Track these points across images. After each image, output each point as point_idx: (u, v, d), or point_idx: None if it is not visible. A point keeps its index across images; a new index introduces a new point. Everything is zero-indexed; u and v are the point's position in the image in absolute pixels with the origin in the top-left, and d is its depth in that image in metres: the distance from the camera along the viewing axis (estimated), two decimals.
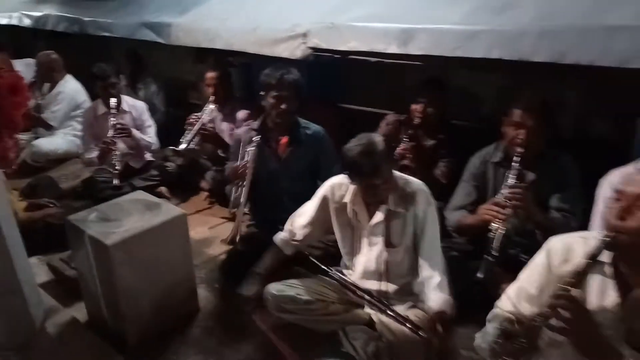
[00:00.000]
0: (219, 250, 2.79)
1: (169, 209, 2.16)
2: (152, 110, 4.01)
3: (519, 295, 1.51)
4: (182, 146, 3.23)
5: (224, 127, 3.45)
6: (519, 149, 2.16)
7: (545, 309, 1.30)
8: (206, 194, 3.50)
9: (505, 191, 2.11)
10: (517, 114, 2.19)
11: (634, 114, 2.48)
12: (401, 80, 3.21)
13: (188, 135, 3.23)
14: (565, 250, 1.42)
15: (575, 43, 2.03)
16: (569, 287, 1.28)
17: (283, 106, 2.46)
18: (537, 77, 2.60)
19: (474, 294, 2.04)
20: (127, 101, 3.56)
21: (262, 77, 2.52)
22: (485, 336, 1.49)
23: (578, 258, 1.36)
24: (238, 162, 2.57)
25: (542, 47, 2.10)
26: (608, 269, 1.34)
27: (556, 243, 1.47)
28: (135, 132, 3.40)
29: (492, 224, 2.08)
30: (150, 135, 3.58)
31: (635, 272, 1.30)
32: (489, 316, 1.55)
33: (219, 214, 3.25)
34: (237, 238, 2.46)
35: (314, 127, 2.62)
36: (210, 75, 3.46)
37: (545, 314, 1.29)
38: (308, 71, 3.38)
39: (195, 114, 3.34)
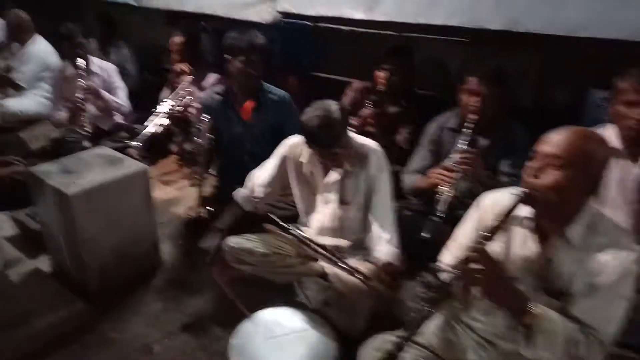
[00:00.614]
0: (183, 210, 2.86)
1: (131, 163, 2.22)
2: (124, 74, 3.99)
3: (455, 248, 1.61)
4: (135, 144, 2.85)
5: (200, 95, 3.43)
6: (471, 116, 2.25)
7: (460, 260, 1.36)
8: (176, 156, 3.54)
9: (455, 156, 2.21)
10: (472, 81, 2.26)
11: (587, 84, 2.58)
12: (372, 50, 3.26)
13: (146, 130, 2.88)
14: (493, 204, 1.50)
15: (527, 11, 2.12)
16: (484, 241, 1.34)
17: (250, 70, 2.48)
18: (499, 48, 2.68)
19: (423, 250, 2.16)
20: (96, 63, 3.52)
21: (229, 40, 2.51)
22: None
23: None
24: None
25: (497, 15, 2.20)
26: (528, 223, 1.42)
27: (486, 198, 1.56)
28: (104, 93, 3.38)
29: (440, 187, 2.19)
30: (120, 97, 3.57)
31: (551, 225, 1.39)
32: (431, 266, 1.64)
33: (187, 176, 3.30)
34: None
35: (279, 93, 2.65)
36: (176, 40, 3.38)
37: (461, 265, 1.35)
38: (282, 40, 3.44)
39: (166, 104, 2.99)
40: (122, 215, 2.14)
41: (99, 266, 2.12)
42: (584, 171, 1.29)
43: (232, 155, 2.67)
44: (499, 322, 1.49)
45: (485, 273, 1.32)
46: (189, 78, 3.19)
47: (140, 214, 2.23)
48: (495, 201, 1.52)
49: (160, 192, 3.07)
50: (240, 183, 2.42)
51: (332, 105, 1.94)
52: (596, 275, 1.32)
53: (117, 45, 4.27)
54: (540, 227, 1.41)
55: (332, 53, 3.50)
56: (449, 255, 1.63)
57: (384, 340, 1.59)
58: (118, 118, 3.60)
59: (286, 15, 2.97)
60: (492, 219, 1.40)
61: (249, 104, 2.58)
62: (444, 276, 1.39)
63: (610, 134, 1.97)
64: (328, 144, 1.93)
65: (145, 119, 3.53)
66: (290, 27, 3.07)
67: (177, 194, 3.10)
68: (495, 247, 1.42)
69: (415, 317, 1.39)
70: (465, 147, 2.21)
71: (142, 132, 2.83)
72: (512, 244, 1.45)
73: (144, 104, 3.51)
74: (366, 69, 2.88)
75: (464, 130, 2.24)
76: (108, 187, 2.06)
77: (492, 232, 1.35)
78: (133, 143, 2.81)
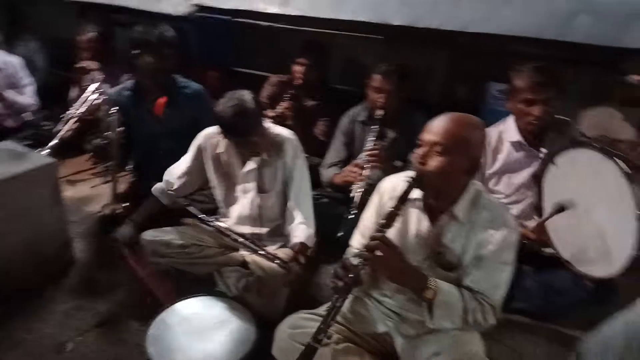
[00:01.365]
0: (98, 208, 2.76)
1: (37, 158, 2.13)
2: (33, 69, 3.78)
3: (362, 232, 1.72)
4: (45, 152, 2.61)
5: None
6: (378, 111, 2.39)
7: (362, 250, 1.45)
8: (89, 154, 3.40)
9: (364, 154, 2.35)
10: (376, 79, 2.41)
11: (485, 78, 2.81)
12: (291, 45, 3.33)
13: (55, 139, 2.71)
14: (392, 188, 1.63)
15: (428, 9, 2.29)
16: (383, 228, 1.45)
17: (160, 65, 2.42)
18: (409, 46, 2.85)
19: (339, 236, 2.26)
20: (0, 56, 3.32)
21: (137, 34, 2.43)
22: None
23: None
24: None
25: (400, 12, 2.36)
26: (420, 204, 1.56)
27: (385, 183, 1.69)
28: (8, 94, 3.19)
29: (353, 184, 2.31)
30: (27, 94, 3.38)
31: (440, 204, 1.53)
32: (345, 254, 1.75)
33: (101, 174, 3.19)
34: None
35: (194, 86, 2.61)
36: (85, 37, 3.20)
37: (363, 255, 1.44)
38: (200, 35, 3.41)
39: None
40: (29, 212, 2.05)
41: (6, 264, 2.03)
42: (464, 154, 1.43)
43: (148, 152, 2.62)
44: (402, 297, 1.62)
45: (385, 259, 1.43)
46: (99, 77, 3.03)
47: (49, 210, 2.14)
48: (393, 185, 1.64)
49: (72, 191, 2.96)
50: (158, 179, 2.39)
51: (246, 95, 1.98)
52: (482, 248, 1.47)
53: (24, 39, 4.03)
54: (431, 206, 1.55)
55: (251, 48, 3.53)
56: (357, 238, 1.74)
57: (297, 318, 1.68)
58: (26, 115, 3.41)
59: (202, 8, 2.97)
60: (390, 204, 1.51)
61: (161, 100, 2.51)
62: (351, 265, 1.46)
63: (511, 127, 2.17)
64: (244, 133, 1.97)
65: (55, 115, 3.39)
66: (209, 21, 3.08)
67: (90, 192, 3.00)
68: (392, 230, 1.51)
69: (329, 308, 1.45)
70: (373, 143, 2.35)
71: (52, 142, 2.64)
72: (407, 224, 1.58)
73: (53, 100, 3.36)
74: (285, 64, 2.94)
75: (372, 127, 2.38)
76: (12, 183, 1.97)
77: (389, 218, 1.46)
78: (42, 152, 2.56)
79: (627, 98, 2.25)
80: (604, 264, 1.79)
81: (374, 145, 2.37)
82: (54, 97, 3.41)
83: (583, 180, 1.87)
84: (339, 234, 2.16)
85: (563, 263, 1.94)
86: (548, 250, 2.02)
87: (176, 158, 2.35)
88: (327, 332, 1.46)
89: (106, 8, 3.27)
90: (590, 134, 2.27)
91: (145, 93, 2.54)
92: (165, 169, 2.40)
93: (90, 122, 2.85)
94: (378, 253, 1.42)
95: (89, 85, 2.93)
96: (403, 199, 1.47)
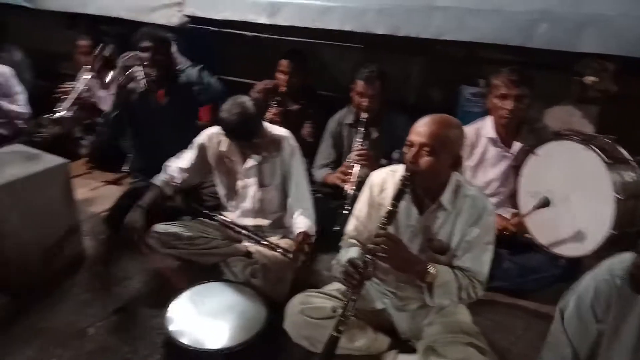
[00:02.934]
0: (102, 208, 2.88)
1: (50, 159, 2.25)
2: (19, 79, 3.85)
3: (355, 223, 1.91)
4: (58, 114, 3.17)
5: (102, 94, 3.44)
6: (363, 115, 2.61)
7: (370, 246, 1.61)
8: (85, 159, 3.51)
9: (352, 155, 2.57)
10: (359, 84, 2.63)
11: (458, 82, 3.06)
12: (276, 54, 3.51)
13: (64, 104, 3.16)
14: (381, 182, 1.83)
15: (406, 19, 2.53)
16: (385, 226, 1.61)
17: (159, 58, 2.61)
18: (387, 53, 3.08)
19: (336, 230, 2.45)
20: None
21: (141, 32, 2.66)
22: (339, 261, 1.83)
23: (389, 188, 1.77)
24: None
25: (381, 21, 2.58)
26: (408, 197, 1.72)
27: (374, 177, 1.87)
28: (2, 104, 3.27)
29: (345, 185, 2.53)
30: (19, 103, 3.46)
31: (428, 195, 1.73)
32: (341, 243, 1.94)
33: (99, 178, 3.32)
34: None
35: (188, 72, 2.79)
36: (84, 43, 3.40)
37: (372, 250, 1.59)
38: (187, 45, 3.55)
39: (69, 82, 3.28)
40: (43, 210, 2.17)
41: (22, 261, 2.13)
42: (449, 152, 1.63)
43: (150, 141, 2.78)
44: (394, 279, 1.83)
45: (392, 252, 1.61)
46: (88, 73, 3.26)
47: (62, 208, 2.26)
48: (382, 178, 1.84)
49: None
50: (158, 170, 2.47)
51: (247, 102, 2.15)
52: (468, 232, 1.69)
53: (9, 50, 4.07)
54: (419, 198, 1.75)
55: (237, 57, 3.70)
56: (351, 224, 1.93)
57: (306, 295, 1.87)
58: (19, 123, 3.48)
59: (193, 19, 3.12)
60: (386, 202, 1.69)
61: (161, 91, 2.72)
62: (360, 263, 1.61)
63: (487, 124, 2.41)
64: (247, 137, 2.16)
65: (41, 125, 3.50)
66: (196, 32, 3.23)
67: (92, 195, 3.11)
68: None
69: (345, 302, 1.61)
70: (360, 144, 2.58)
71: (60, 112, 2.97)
72: (400, 214, 1.73)
73: (40, 110, 3.43)
74: (271, 72, 3.11)
75: (358, 129, 2.61)
76: (28, 182, 2.08)
77: (389, 216, 1.63)
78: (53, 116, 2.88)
79: (583, 97, 2.53)
80: (579, 245, 2.01)
81: (361, 145, 2.59)
82: (41, 107, 3.48)
83: (562, 169, 2.07)
84: (335, 228, 2.31)
85: (538, 246, 2.17)
86: (525, 236, 2.23)
87: (174, 146, 2.46)
88: (345, 321, 1.58)
89: (98, 20, 3.37)
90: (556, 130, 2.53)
91: (148, 84, 2.69)
92: (164, 156, 2.49)
93: (85, 106, 3.08)
94: (384, 247, 1.59)
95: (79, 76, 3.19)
96: (399, 197, 1.63)
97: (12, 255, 2.09)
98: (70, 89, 3.21)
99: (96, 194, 3.12)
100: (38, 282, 2.19)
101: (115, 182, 3.26)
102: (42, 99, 3.48)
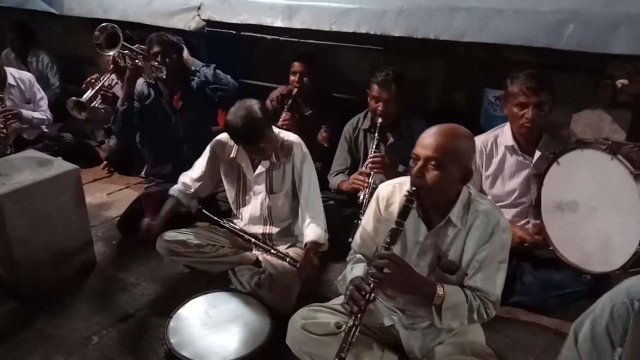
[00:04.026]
0: (116, 213, 2.90)
1: (62, 165, 2.27)
2: (46, 85, 3.94)
3: (362, 237, 1.81)
4: (85, 97, 2.99)
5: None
6: (379, 120, 2.52)
7: (372, 271, 1.51)
8: (104, 163, 3.55)
9: (368, 161, 2.48)
10: (374, 89, 2.53)
11: (482, 85, 2.95)
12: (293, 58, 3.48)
13: (90, 92, 3.01)
14: (388, 196, 1.72)
15: (425, 20, 2.43)
16: (388, 246, 1.51)
17: (168, 61, 2.62)
18: (407, 56, 2.97)
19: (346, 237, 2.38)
20: (13, 74, 3.45)
21: (157, 37, 2.68)
22: (345, 278, 1.76)
23: (396, 202, 1.67)
24: None
25: (399, 23, 2.49)
26: (416, 212, 1.62)
27: (381, 190, 1.76)
28: (25, 113, 3.33)
29: (360, 191, 2.44)
30: (42, 108, 3.53)
31: (436, 211, 1.62)
32: (348, 257, 1.85)
33: (117, 182, 3.36)
34: None
35: (203, 71, 2.74)
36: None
37: (374, 275, 1.50)
38: (208, 49, 3.56)
39: (96, 75, 3.23)
40: (54, 215, 2.18)
41: (32, 266, 2.15)
42: (458, 165, 1.51)
43: (167, 144, 2.78)
44: (402, 300, 1.71)
45: (396, 276, 1.51)
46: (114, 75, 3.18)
47: (72, 214, 2.27)
48: (388, 192, 1.73)
49: (90, 198, 3.08)
50: (175, 175, 2.46)
51: (254, 105, 2.09)
52: (480, 251, 1.57)
53: (37, 55, 4.19)
54: (427, 214, 1.64)
55: (255, 60, 3.67)
56: (358, 239, 1.83)
57: (308, 310, 1.80)
58: (42, 128, 3.56)
59: (210, 23, 3.12)
60: (391, 219, 1.59)
61: (176, 97, 2.73)
62: (364, 287, 1.52)
63: (506, 132, 2.26)
64: (252, 141, 2.10)
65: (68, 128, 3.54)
66: (217, 36, 3.22)
67: (108, 199, 3.14)
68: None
69: (349, 327, 1.51)
70: (375, 151, 2.50)
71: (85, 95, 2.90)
72: (406, 233, 1.64)
73: (66, 114, 3.49)
74: (285, 75, 3.06)
75: (375, 135, 2.52)
76: (39, 187, 2.10)
77: (393, 236, 1.53)
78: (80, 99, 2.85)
79: (615, 101, 2.37)
80: (605, 261, 1.87)
81: (376, 152, 2.50)
82: (67, 111, 3.53)
83: (587, 179, 1.93)
84: (350, 240, 2.20)
85: (562, 260, 2.02)
86: (549, 250, 2.09)
87: (191, 148, 2.48)
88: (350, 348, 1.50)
89: (121, 25, 3.40)
90: (583, 136, 2.38)
91: (164, 88, 2.73)
92: (181, 160, 2.53)
93: (110, 100, 3.04)
94: (387, 271, 1.48)
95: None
96: (404, 215, 1.53)
97: (22, 261, 2.11)
98: (97, 80, 3.18)
99: (112, 198, 3.15)
100: (47, 288, 2.21)
101: (133, 187, 3.27)
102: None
